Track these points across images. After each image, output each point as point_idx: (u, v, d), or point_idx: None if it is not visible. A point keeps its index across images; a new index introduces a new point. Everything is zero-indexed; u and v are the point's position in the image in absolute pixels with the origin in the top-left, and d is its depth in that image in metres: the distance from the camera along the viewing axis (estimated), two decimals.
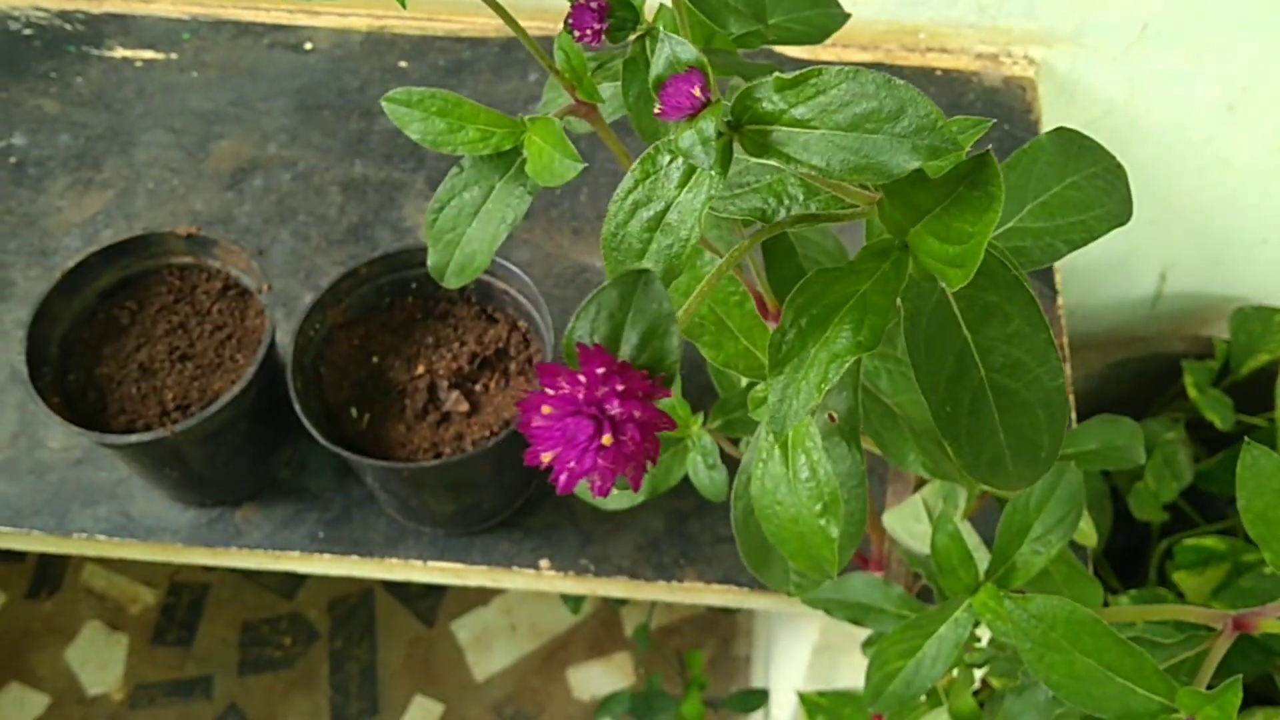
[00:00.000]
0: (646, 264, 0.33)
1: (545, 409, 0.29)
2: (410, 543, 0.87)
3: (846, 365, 0.31)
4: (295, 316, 0.92)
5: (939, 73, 1.10)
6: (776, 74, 0.30)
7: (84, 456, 0.89)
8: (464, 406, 0.81)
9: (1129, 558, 1.26)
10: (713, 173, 0.30)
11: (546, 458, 0.30)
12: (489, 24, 1.13)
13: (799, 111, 0.30)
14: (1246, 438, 0.48)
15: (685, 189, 0.32)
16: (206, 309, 0.84)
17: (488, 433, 0.79)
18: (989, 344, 0.34)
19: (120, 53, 1.11)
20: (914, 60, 1.11)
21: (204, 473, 0.83)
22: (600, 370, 0.29)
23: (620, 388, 0.29)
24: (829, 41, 1.15)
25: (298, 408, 0.77)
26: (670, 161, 0.33)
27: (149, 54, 1.11)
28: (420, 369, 0.83)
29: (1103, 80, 1.10)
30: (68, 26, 1.12)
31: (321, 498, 0.88)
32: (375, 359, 0.83)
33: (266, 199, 1.02)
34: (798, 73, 0.30)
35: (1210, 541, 1.08)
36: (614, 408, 0.29)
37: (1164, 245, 1.27)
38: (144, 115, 1.07)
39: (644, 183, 0.33)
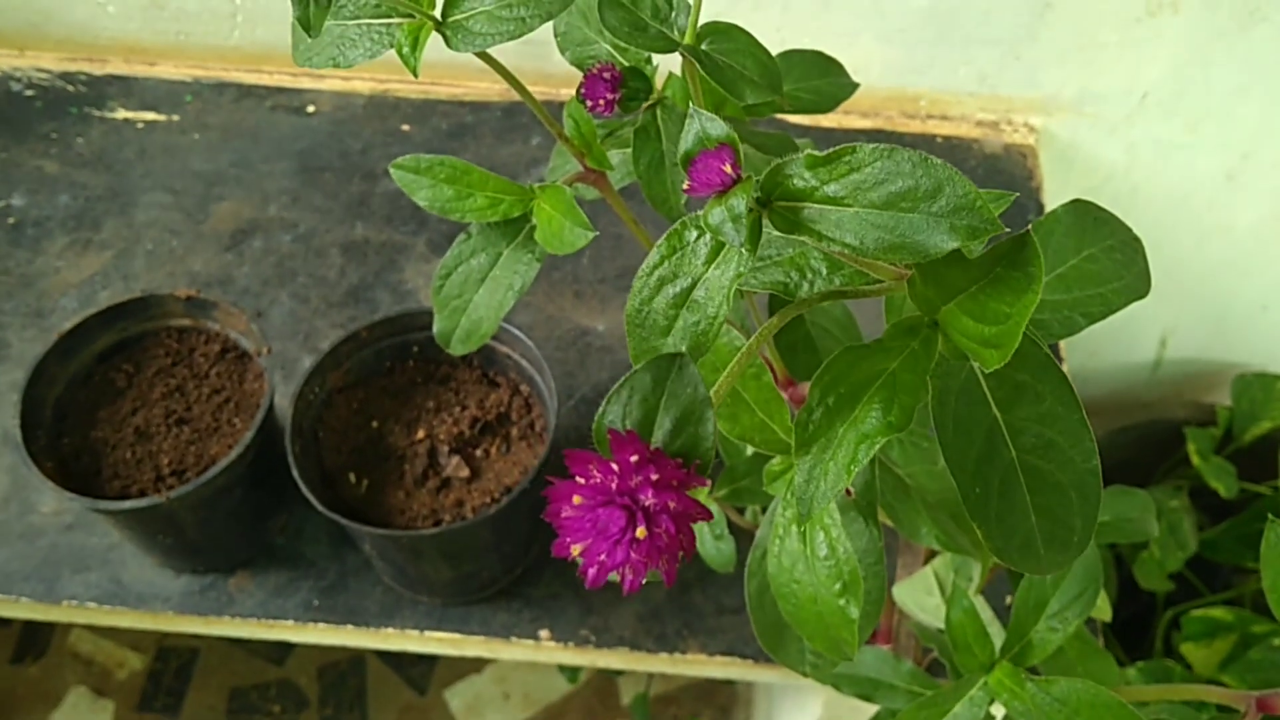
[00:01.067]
0: (671, 341, 0.32)
1: (576, 499, 0.28)
2: (406, 612, 0.85)
3: (877, 447, 0.30)
4: (294, 379, 0.91)
5: (940, 140, 1.11)
6: (809, 151, 0.29)
7: (75, 521, 0.87)
8: (464, 472, 0.80)
9: (1134, 628, 1.25)
10: (743, 250, 0.29)
11: (576, 550, 0.28)
12: (491, 88, 1.13)
13: (831, 189, 0.29)
14: (1270, 515, 0.47)
15: (713, 265, 0.31)
16: (205, 372, 0.83)
17: (488, 499, 0.78)
18: (1020, 424, 0.33)
19: (122, 114, 1.11)
20: (914, 127, 1.11)
21: (198, 539, 0.82)
22: (634, 458, 0.28)
23: (654, 477, 0.28)
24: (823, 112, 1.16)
25: (295, 473, 0.75)
26: (698, 237, 0.32)
27: (151, 115, 1.11)
28: (420, 434, 0.81)
29: (1103, 148, 1.10)
30: (70, 88, 1.12)
31: (317, 565, 0.87)
32: (375, 423, 0.82)
33: (266, 260, 1.01)
34: (830, 150, 0.29)
35: (1218, 613, 1.07)
36: (648, 498, 0.28)
37: (1165, 311, 1.27)
38: (144, 176, 1.07)
39: (670, 258, 0.32)
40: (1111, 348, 1.32)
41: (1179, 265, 1.20)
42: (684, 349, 0.32)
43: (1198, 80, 1.03)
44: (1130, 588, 1.21)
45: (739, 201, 0.29)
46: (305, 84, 1.13)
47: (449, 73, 1.13)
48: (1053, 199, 1.09)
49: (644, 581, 0.29)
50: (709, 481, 0.30)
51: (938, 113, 1.11)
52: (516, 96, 1.13)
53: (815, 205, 0.29)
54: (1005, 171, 1.09)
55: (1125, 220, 0.53)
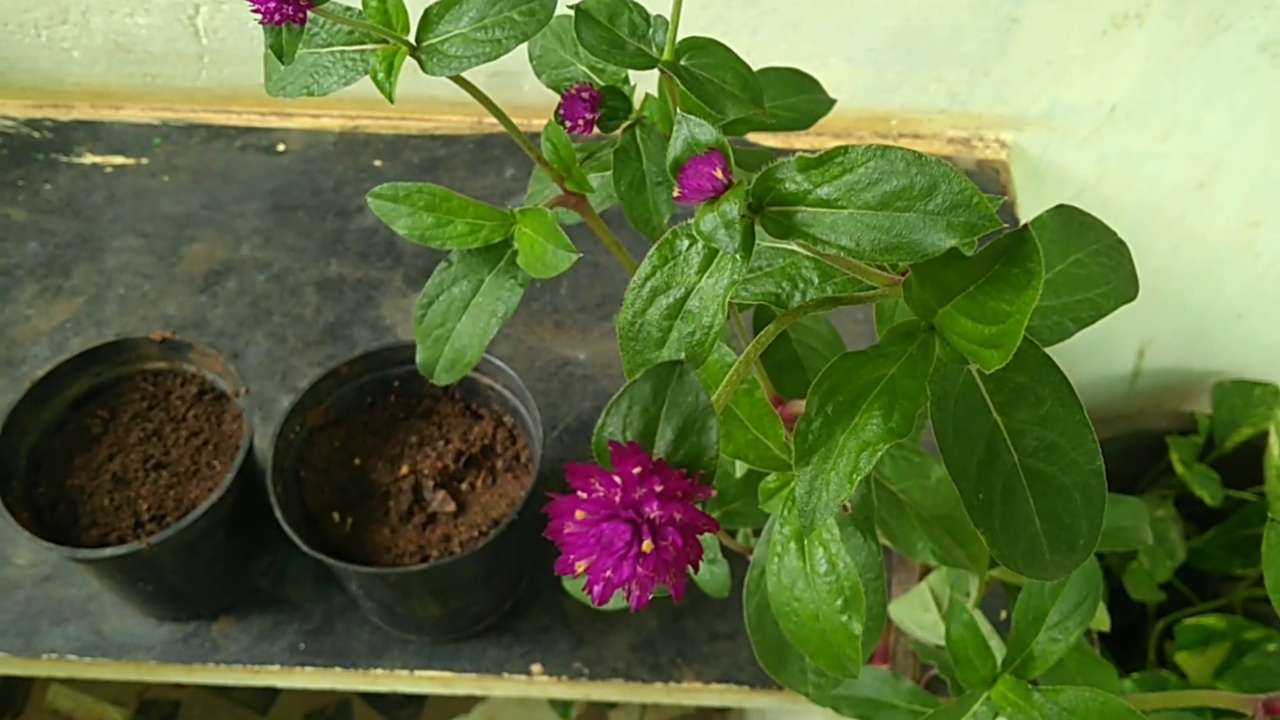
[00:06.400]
0: (666, 353, 0.31)
1: (579, 514, 0.27)
2: (395, 652, 0.83)
3: (879, 454, 0.29)
4: (272, 420, 0.90)
5: None
6: (800, 154, 0.29)
7: (52, 572, 0.86)
8: (450, 507, 0.79)
9: (1126, 639, 1.24)
10: (736, 256, 0.29)
11: (580, 567, 0.27)
12: (463, 121, 1.13)
13: (824, 191, 0.28)
14: (1271, 517, 0.47)
15: (706, 274, 0.31)
16: (181, 415, 0.82)
17: (476, 533, 0.77)
18: (1021, 427, 0.33)
19: (90, 159, 1.10)
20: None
21: (179, 585, 0.80)
22: (636, 470, 0.27)
23: (659, 488, 0.27)
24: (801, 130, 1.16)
25: (278, 514, 0.74)
26: (689, 246, 0.31)
27: (119, 160, 1.10)
28: (404, 469, 0.80)
29: (1074, 161, 1.11)
30: (36, 134, 1.11)
31: (302, 607, 0.85)
32: (357, 460, 0.81)
33: (240, 301, 1.00)
34: (822, 152, 0.29)
35: (1210, 620, 1.06)
36: (653, 510, 0.27)
37: (1141, 322, 1.27)
38: (114, 221, 1.05)
39: (662, 268, 0.31)
40: (1090, 360, 1.32)
41: (1154, 275, 1.21)
42: (680, 360, 0.31)
43: (1165, 91, 1.03)
44: (1120, 599, 1.20)
45: (731, 207, 0.28)
46: (274, 123, 1.12)
47: (420, 107, 1.13)
48: (1027, 213, 1.09)
49: (651, 597, 0.28)
50: (714, 491, 0.29)
51: (909, 131, 1.12)
52: (488, 129, 1.13)
53: (809, 209, 0.29)
54: (978, 187, 1.09)
55: None
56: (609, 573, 0.27)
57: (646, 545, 0.27)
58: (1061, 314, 0.46)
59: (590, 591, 0.27)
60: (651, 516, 0.27)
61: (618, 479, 0.27)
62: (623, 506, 0.27)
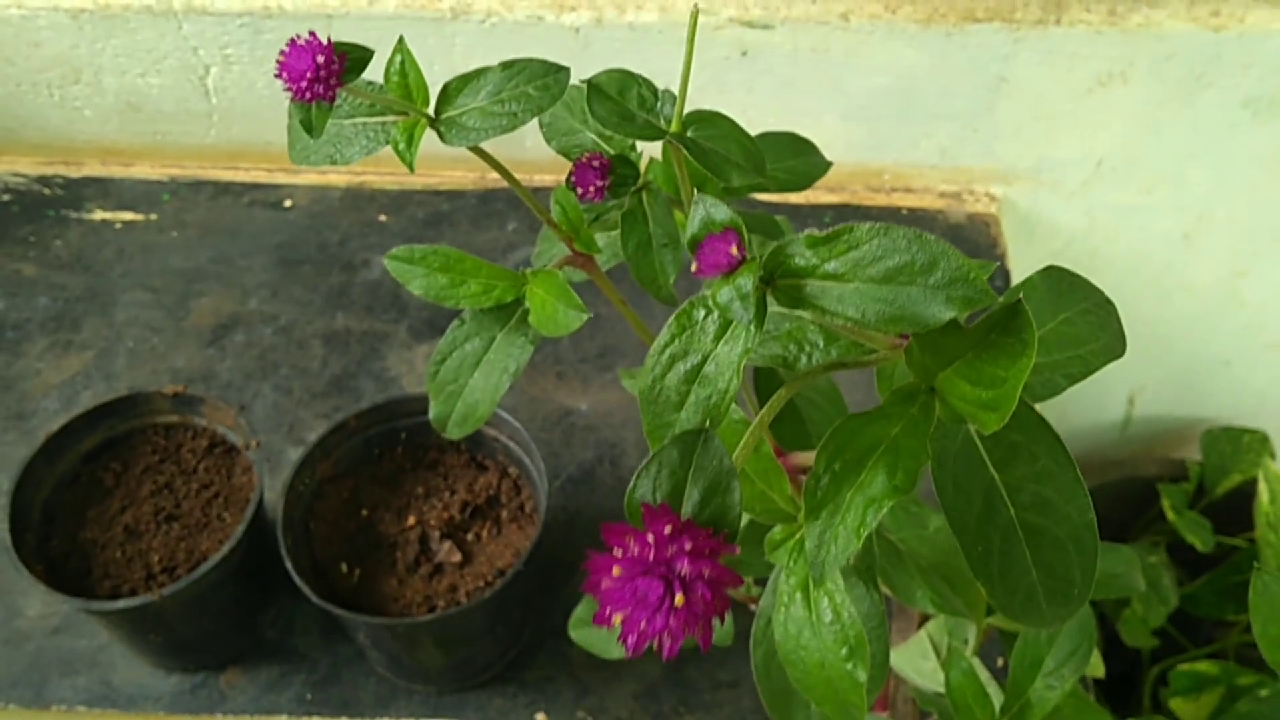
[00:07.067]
0: (684, 416, 0.33)
1: (615, 570, 0.29)
2: (401, 702, 0.84)
3: (885, 510, 0.31)
4: (279, 471, 0.92)
5: (904, 211, 1.14)
6: (808, 232, 0.31)
7: (62, 624, 0.87)
8: (456, 557, 0.80)
9: (1120, 685, 1.25)
10: (750, 326, 0.31)
11: (617, 619, 0.29)
12: (465, 177, 1.15)
13: (832, 266, 0.31)
14: (1255, 564, 0.49)
15: (722, 342, 0.33)
16: (192, 468, 0.83)
17: (481, 583, 0.78)
18: (1017, 483, 0.35)
19: (99, 215, 1.12)
20: (879, 200, 1.14)
21: (189, 636, 0.81)
22: (667, 529, 0.30)
23: (689, 546, 0.29)
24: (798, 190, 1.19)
25: (289, 566, 0.75)
26: (706, 316, 0.33)
27: (128, 215, 1.12)
28: (411, 520, 0.82)
29: (1062, 214, 1.14)
30: (46, 191, 1.13)
31: (309, 657, 0.86)
32: (365, 512, 0.83)
33: (248, 354, 1.02)
34: (829, 230, 0.31)
35: (1204, 666, 1.08)
36: (683, 567, 0.29)
37: (1131, 370, 1.29)
38: (124, 276, 1.07)
39: (680, 336, 0.34)
40: (1081, 408, 1.35)
41: (1142, 324, 1.23)
42: (697, 422, 0.33)
43: (1150, 146, 1.06)
44: (1114, 645, 1.22)
45: (746, 281, 0.31)
46: (281, 179, 1.15)
47: (423, 163, 1.15)
48: (1017, 264, 1.12)
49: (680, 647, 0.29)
50: (738, 549, 0.31)
51: (901, 185, 1.15)
52: (491, 184, 1.15)
53: (817, 281, 0.31)
54: (970, 240, 1.12)
55: None
56: (643, 624, 0.29)
57: (679, 599, 0.29)
58: (1053, 371, 0.48)
59: (624, 641, 0.29)
60: (682, 573, 0.29)
61: (650, 538, 0.29)
62: (656, 563, 0.29)
